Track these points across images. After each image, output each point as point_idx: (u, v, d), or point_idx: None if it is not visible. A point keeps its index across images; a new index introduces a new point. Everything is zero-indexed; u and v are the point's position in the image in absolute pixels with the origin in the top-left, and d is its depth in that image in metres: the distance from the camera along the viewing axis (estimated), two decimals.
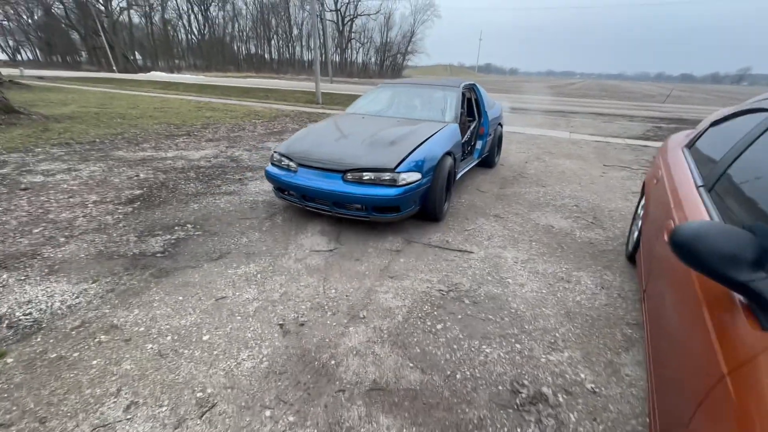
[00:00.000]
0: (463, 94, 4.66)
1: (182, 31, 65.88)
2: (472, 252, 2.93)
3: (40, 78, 24.90)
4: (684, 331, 1.28)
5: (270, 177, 3.39)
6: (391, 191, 2.91)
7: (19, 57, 63.99)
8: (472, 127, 4.83)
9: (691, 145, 2.31)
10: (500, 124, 5.77)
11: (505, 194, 4.40)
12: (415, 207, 3.21)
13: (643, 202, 2.78)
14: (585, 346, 1.94)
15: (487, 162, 5.51)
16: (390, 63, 75.30)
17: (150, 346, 1.85)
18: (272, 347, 1.87)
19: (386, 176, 2.95)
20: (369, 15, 68.69)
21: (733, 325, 0.95)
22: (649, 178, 2.69)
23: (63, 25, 54.15)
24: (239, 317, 2.09)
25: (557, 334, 2.02)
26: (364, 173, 2.98)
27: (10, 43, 63.65)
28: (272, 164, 3.49)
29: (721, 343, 0.96)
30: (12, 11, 51.97)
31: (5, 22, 57.15)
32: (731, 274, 0.92)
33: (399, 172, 2.95)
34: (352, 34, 71.18)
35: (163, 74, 38.91)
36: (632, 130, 9.95)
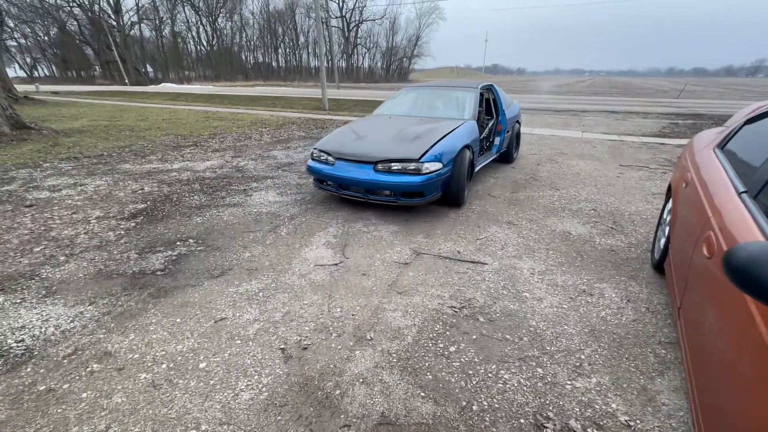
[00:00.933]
0: (481, 95, 5.11)
1: (191, 42, 67.11)
2: (485, 263, 2.77)
3: (55, 93, 25.52)
4: (734, 356, 1.11)
5: (311, 170, 3.94)
6: (416, 179, 3.40)
7: (36, 73, 66.00)
8: (490, 125, 5.27)
9: (723, 145, 2.12)
10: (518, 122, 6.11)
11: (518, 199, 4.22)
12: (437, 193, 3.67)
13: (669, 206, 2.59)
14: (614, 369, 1.77)
15: (506, 157, 5.84)
16: (396, 67, 75.46)
17: (143, 375, 1.74)
18: (273, 375, 1.74)
19: (411, 166, 3.42)
20: (374, 20, 69.02)
21: None
22: (675, 180, 2.50)
23: (77, 41, 55.61)
24: (239, 341, 1.97)
25: (582, 356, 1.85)
26: (393, 164, 3.47)
27: (28, 60, 65.76)
28: (312, 159, 4.02)
29: None
30: (29, 30, 53.75)
31: (23, 40, 59.12)
32: None
33: (423, 162, 3.42)
34: (358, 40, 71.59)
35: (174, 85, 39.59)
36: (647, 128, 9.64)
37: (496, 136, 5.33)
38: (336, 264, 2.77)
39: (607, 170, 5.47)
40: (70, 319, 2.14)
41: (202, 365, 1.80)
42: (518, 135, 6.19)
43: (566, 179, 5.01)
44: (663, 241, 2.55)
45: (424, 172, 3.43)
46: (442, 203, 3.95)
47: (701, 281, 1.48)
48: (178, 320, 2.13)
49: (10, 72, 65.12)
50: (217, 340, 1.97)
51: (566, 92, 26.79)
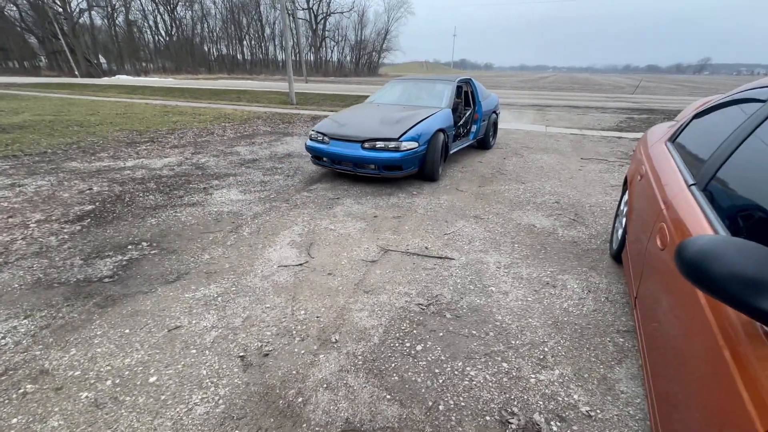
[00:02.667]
0: (459, 87, 5.92)
1: (148, 32, 63.48)
2: (452, 258, 2.76)
3: None
4: (685, 343, 1.14)
5: (309, 148, 4.69)
6: (396, 155, 4.16)
7: None
8: (467, 114, 6.00)
9: (674, 139, 2.21)
10: (496, 113, 6.82)
11: (485, 193, 4.26)
12: (414, 168, 4.44)
13: (626, 198, 2.68)
14: (576, 360, 1.80)
15: (483, 144, 6.57)
16: (366, 61, 74.89)
17: (85, 394, 1.59)
18: (231, 385, 1.65)
19: (392, 144, 4.17)
20: (342, 13, 68.14)
21: (753, 351, 0.81)
22: (631, 172, 2.58)
23: (18, 29, 51.18)
24: (194, 350, 1.85)
25: (546, 349, 1.87)
26: (377, 142, 4.21)
27: None
28: (311, 140, 4.73)
29: (738, 365, 0.83)
30: None
31: None
32: (755, 303, 0.76)
33: (401, 141, 4.17)
34: (326, 33, 70.35)
35: (129, 78, 37.38)
36: (606, 122, 10.06)
37: (472, 124, 6.01)
38: (300, 264, 2.67)
39: (569, 163, 5.65)
40: (1, 335, 1.94)
41: (152, 379, 1.67)
42: (495, 124, 6.82)
43: (531, 173, 5.12)
44: (620, 232, 2.63)
45: (402, 149, 4.15)
46: (419, 177, 4.71)
47: (655, 271, 1.52)
48: (127, 331, 1.98)
49: None
50: (170, 351, 1.84)
51: (531, 87, 27.59)
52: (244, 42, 69.89)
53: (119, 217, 3.43)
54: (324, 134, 4.58)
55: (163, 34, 63.81)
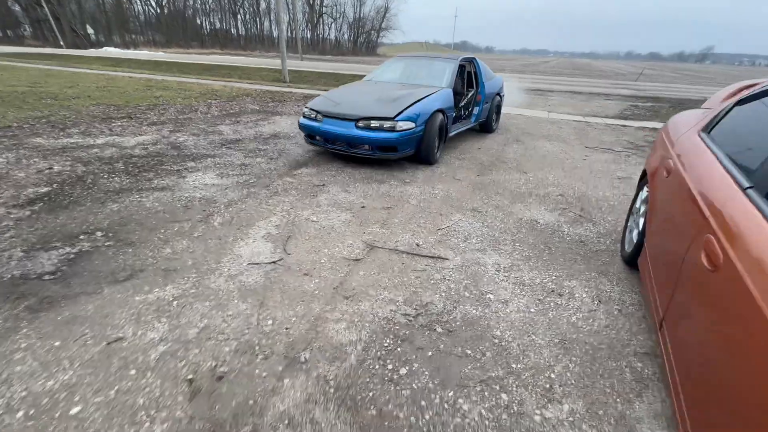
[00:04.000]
0: (462, 66, 5.50)
1: (139, 2, 60.92)
2: (446, 258, 2.46)
3: None
4: (749, 394, 0.86)
5: (302, 126, 4.42)
6: (391, 135, 3.90)
7: None
8: (469, 95, 5.66)
9: (709, 129, 1.88)
10: (500, 95, 6.46)
11: (483, 183, 3.94)
12: (410, 149, 4.15)
13: (643, 194, 2.37)
14: (588, 391, 1.52)
15: (486, 127, 6.20)
16: (364, 40, 72.92)
17: None
18: (170, 420, 1.35)
19: (387, 124, 3.89)
20: None
21: None
22: (652, 166, 2.26)
23: None
24: (134, 371, 1.54)
25: (553, 375, 1.59)
26: (371, 121, 3.94)
27: None
28: (304, 117, 4.44)
29: None
30: None
31: None
32: None
33: (397, 121, 3.90)
34: (324, 9, 68.11)
35: (117, 50, 35.94)
36: (610, 109, 9.69)
37: (475, 106, 5.70)
38: (274, 262, 2.35)
39: (573, 152, 5.32)
40: None
41: (74, 410, 1.37)
42: (499, 107, 6.51)
43: (533, 161, 4.79)
44: (635, 233, 2.34)
45: (398, 129, 3.89)
46: (415, 160, 4.39)
47: (698, 294, 1.22)
48: (58, 344, 1.66)
49: None
50: (104, 372, 1.53)
51: (533, 71, 26.93)
52: (239, 16, 67.51)
53: (76, 202, 3.07)
54: (317, 112, 4.30)
55: (154, 5, 61.36)
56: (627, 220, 2.62)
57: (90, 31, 55.76)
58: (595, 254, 2.59)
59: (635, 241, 2.28)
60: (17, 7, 51.81)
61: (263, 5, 67.27)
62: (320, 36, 71.35)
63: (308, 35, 68.04)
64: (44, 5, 38.18)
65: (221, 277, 2.18)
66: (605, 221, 3.11)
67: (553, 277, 2.29)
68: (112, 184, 3.47)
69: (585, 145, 5.79)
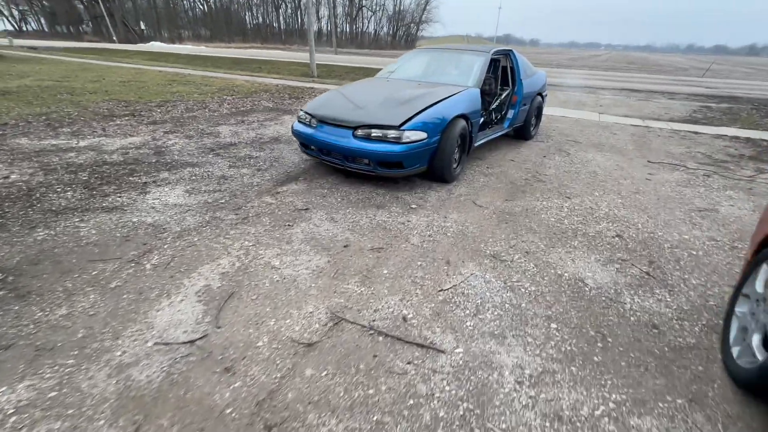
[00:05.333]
0: (495, 61, 4.72)
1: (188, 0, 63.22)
2: (442, 351, 1.65)
3: (33, 48, 23.72)
4: None
5: (296, 133, 3.66)
6: (396, 148, 3.08)
7: (25, 27, 62.60)
8: (503, 96, 4.78)
9: None
10: (542, 95, 5.49)
11: (512, 212, 3.05)
12: (421, 165, 3.34)
13: (765, 277, 1.44)
14: None
15: (522, 133, 5.29)
16: (403, 33, 71.67)
17: None
18: None
19: (392, 133, 3.10)
20: None
21: None
22: None
23: None
24: None
25: None
26: (373, 130, 3.16)
27: (15, 13, 62.32)
28: (298, 121, 3.72)
29: None
30: None
31: None
32: None
33: (403, 130, 3.09)
34: (363, 1, 67.53)
35: (163, 45, 37.25)
36: (675, 111, 8.26)
37: (509, 109, 4.82)
38: (193, 341, 1.65)
39: (632, 168, 4.25)
40: None
41: None
42: (540, 109, 5.55)
43: (580, 180, 3.81)
44: (756, 339, 1.42)
45: (404, 141, 3.09)
46: (428, 177, 3.61)
47: None
48: None
49: None
50: None
51: (581, 66, 24.85)
52: (281, 10, 68.43)
53: (2, 226, 2.54)
54: (312, 115, 3.56)
55: (202, 0, 63.44)
56: (732, 306, 1.67)
57: (143, 26, 58.69)
58: (679, 354, 1.67)
59: (759, 355, 1.36)
60: (80, 4, 55.41)
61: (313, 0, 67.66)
62: (359, 29, 71.00)
63: (347, 29, 67.87)
64: (100, 2, 40.26)
65: (106, 368, 1.51)
66: (688, 287, 2.15)
67: (611, 406, 1.42)
68: (59, 201, 2.94)
69: (647, 158, 4.68)
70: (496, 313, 1.88)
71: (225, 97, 8.17)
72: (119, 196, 3.05)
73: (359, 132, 3.20)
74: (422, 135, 3.14)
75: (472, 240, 2.58)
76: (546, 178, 3.88)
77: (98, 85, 8.93)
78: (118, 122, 5.53)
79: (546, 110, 7.48)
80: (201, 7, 64.63)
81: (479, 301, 1.96)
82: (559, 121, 6.85)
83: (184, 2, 63.71)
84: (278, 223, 2.72)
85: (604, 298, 2.02)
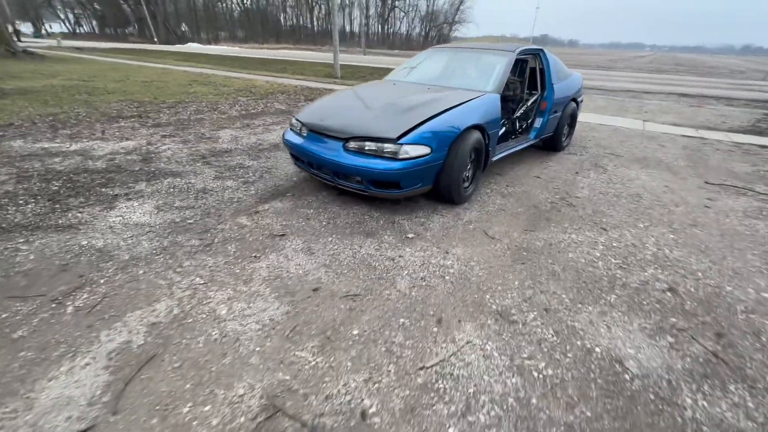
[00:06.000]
0: (522, 62, 4.20)
1: (226, 2, 65.25)
2: None
3: (79, 49, 24.97)
4: None
5: (285, 142, 3.24)
6: (392, 165, 2.57)
7: (79, 30, 66.80)
8: (530, 101, 4.20)
9: None
10: (576, 101, 4.84)
11: (532, 246, 2.47)
12: (423, 185, 2.81)
13: None
14: None
15: (551, 144, 4.64)
16: (436, 34, 70.82)
17: None
18: None
19: (388, 147, 2.60)
20: None
21: None
22: None
23: None
24: None
25: None
26: (367, 142, 2.66)
27: (70, 17, 66.68)
28: (290, 129, 3.29)
29: None
30: None
31: None
32: None
33: (402, 144, 2.58)
34: (396, 2, 67.25)
35: (199, 45, 38.43)
36: (735, 119, 7.25)
37: (537, 117, 4.21)
38: None
39: (685, 191, 3.53)
40: None
41: None
42: (574, 117, 4.90)
43: (619, 206, 3.15)
44: None
45: (401, 157, 2.57)
46: (434, 197, 3.09)
47: None
48: None
49: (56, 27, 66.70)
50: None
51: (623, 68, 23.27)
52: (314, 12, 69.32)
53: None
54: (302, 123, 3.10)
55: (240, 3, 65.30)
56: None
57: (184, 28, 61.16)
58: None
59: None
60: (127, 7, 58.46)
61: (338, 0, 68.17)
62: (392, 30, 70.79)
63: (378, 30, 67.83)
64: (144, 6, 42.16)
65: None
66: None
67: None
68: (15, 215, 2.64)
69: (704, 178, 3.92)
70: (493, 413, 1.35)
71: (239, 98, 7.94)
72: (81, 212, 2.73)
73: (351, 144, 2.71)
74: (425, 150, 2.62)
75: (476, 287, 2.04)
76: (577, 201, 3.25)
77: (120, 85, 8.96)
78: (122, 124, 5.34)
79: (581, 116, 6.73)
80: (239, 9, 66.54)
81: (472, 391, 1.43)
82: (596, 129, 6.10)
83: (223, 5, 65.82)
84: (244, 254, 2.29)
85: (652, 396, 1.43)
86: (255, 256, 2.27)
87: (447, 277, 2.13)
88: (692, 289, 2.08)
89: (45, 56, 15.59)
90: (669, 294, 2.04)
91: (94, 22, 66.31)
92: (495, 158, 3.49)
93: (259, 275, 2.09)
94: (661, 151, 4.92)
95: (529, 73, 4.22)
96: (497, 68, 3.52)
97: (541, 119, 4.13)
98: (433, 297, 1.96)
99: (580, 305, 1.93)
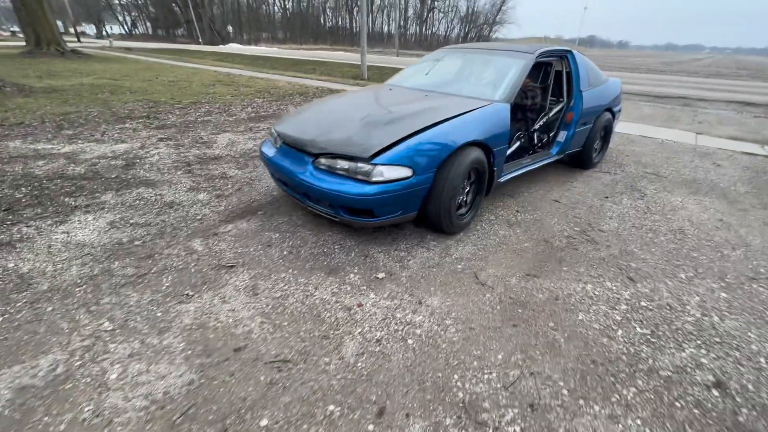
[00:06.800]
0: (544, 65, 3.65)
1: (271, 3, 67.26)
2: None
3: (128, 49, 26.39)
4: None
5: (261, 154, 2.79)
6: (364, 189, 2.10)
7: (135, 31, 71.34)
8: (554, 112, 3.60)
9: None
10: (612, 111, 4.11)
11: (531, 300, 1.95)
12: (405, 213, 2.33)
13: None
14: None
15: (580, 160, 3.98)
16: (475, 35, 69.32)
17: None
18: None
19: (360, 167, 2.15)
20: None
21: None
22: None
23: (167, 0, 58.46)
24: None
25: None
26: (339, 161, 2.23)
27: (127, 19, 71.39)
28: (268, 140, 2.90)
29: None
30: None
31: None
32: None
33: (375, 164, 2.12)
34: (435, 3, 66.40)
35: (239, 46, 39.65)
36: None
37: (561, 129, 3.58)
38: None
39: (746, 228, 2.83)
40: None
41: None
42: (608, 130, 4.17)
43: (655, 246, 2.53)
44: None
45: (375, 179, 2.11)
46: (423, 225, 2.62)
47: None
48: None
49: (115, 29, 71.62)
50: None
51: (677, 71, 21.38)
52: (354, 13, 69.84)
53: None
54: (278, 133, 2.71)
55: (281, 5, 67.04)
56: None
57: (229, 29, 63.59)
58: None
59: None
60: (178, 10, 61.63)
61: (378, 2, 68.40)
62: (429, 32, 70.06)
63: (416, 31, 67.29)
64: (191, 8, 44.11)
65: None
66: None
67: None
68: None
69: None
70: None
71: (255, 100, 7.78)
72: (29, 226, 2.50)
73: (321, 161, 2.30)
74: (405, 172, 2.15)
75: (444, 361, 1.56)
76: (601, 236, 2.65)
77: (145, 85, 9.09)
78: (127, 125, 5.25)
79: (621, 127, 5.95)
80: (280, 10, 68.33)
81: None
82: (637, 142, 5.33)
83: (266, 7, 67.84)
84: (177, 290, 1.93)
85: None
86: (187, 295, 1.91)
87: (410, 341, 1.66)
88: (750, 387, 1.49)
89: (92, 56, 16.44)
90: (716, 392, 1.46)
91: (148, 24, 70.55)
92: (504, 179, 2.95)
93: (180, 323, 1.72)
94: (715, 172, 4.14)
95: (554, 78, 3.63)
96: (510, 73, 2.98)
97: (566, 132, 3.53)
98: (384, 372, 1.50)
99: (582, 402, 1.40)
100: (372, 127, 2.37)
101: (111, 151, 4.11)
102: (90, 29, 66.59)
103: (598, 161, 4.20)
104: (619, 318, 1.84)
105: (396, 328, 1.74)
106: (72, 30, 33.47)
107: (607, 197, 3.37)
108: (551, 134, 3.63)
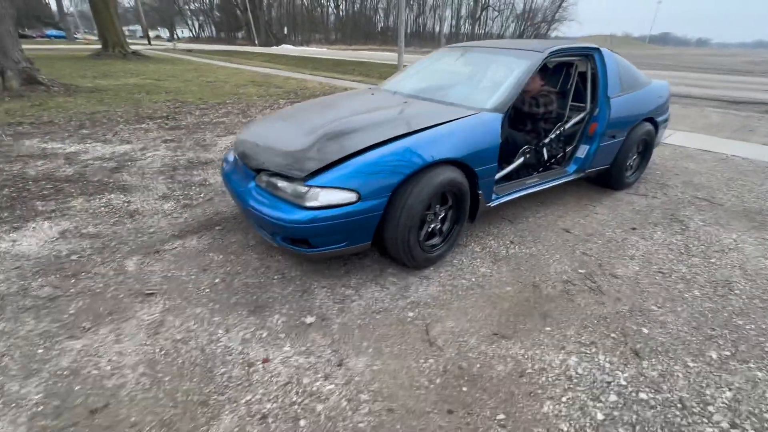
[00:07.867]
0: (564, 66, 3.18)
1: (331, 5, 69.12)
2: None
3: (189, 51, 28.23)
4: None
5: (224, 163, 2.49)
6: (296, 214, 1.78)
7: (202, 34, 76.81)
8: (572, 122, 2.97)
9: None
10: (655, 121, 3.39)
11: (486, 374, 1.49)
12: (353, 244, 1.92)
13: None
14: None
15: (608, 180, 3.32)
16: (531, 33, 66.24)
17: None
18: None
19: (297, 189, 1.82)
20: None
21: None
22: None
23: (231, 3, 62.12)
24: None
25: None
26: (278, 180, 1.91)
27: (195, 23, 77.00)
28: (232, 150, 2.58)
29: None
30: None
31: (193, 5, 69.26)
32: None
33: (311, 186, 1.79)
34: (490, 1, 64.28)
35: (291, 47, 40.99)
36: None
37: (581, 143, 2.99)
38: None
39: None
40: None
41: None
42: (648, 144, 3.46)
43: (685, 302, 1.93)
44: None
45: (309, 204, 1.77)
46: (387, 255, 2.14)
47: None
48: None
49: (186, 33, 77.44)
50: None
51: (763, 72, 18.64)
52: (405, 13, 69.83)
53: None
54: (235, 143, 2.49)
55: (336, 6, 68.56)
56: None
57: (285, 31, 66.20)
58: None
59: None
60: (239, 13, 65.27)
61: (430, 2, 67.65)
62: (482, 31, 68.03)
63: (468, 30, 65.60)
64: (249, 11, 46.41)
65: None
66: None
67: None
68: None
69: None
70: None
71: (280, 101, 7.74)
72: None
73: (263, 179, 2.00)
74: (347, 196, 1.78)
75: None
76: (611, 284, 2.09)
77: (182, 85, 9.43)
78: (143, 125, 5.35)
79: (676, 138, 5.08)
80: (334, 11, 69.90)
81: None
82: (693, 158, 4.46)
83: (321, 9, 69.72)
84: (75, 322, 1.72)
85: None
86: (83, 328, 1.68)
87: (302, 423, 1.29)
88: None
89: (150, 58, 17.63)
90: None
91: (213, 28, 75.55)
92: (496, 203, 2.46)
93: (55, 366, 1.49)
94: None
95: (575, 81, 3.05)
96: (510, 76, 2.46)
97: (588, 147, 2.93)
98: None
99: None
100: (323, 141, 2.01)
101: (111, 152, 4.13)
102: (164, 33, 72.54)
103: (633, 181, 3.51)
104: (602, 418, 1.34)
105: (294, 399, 1.38)
106: (142, 34, 36.57)
107: (634, 228, 2.73)
108: (571, 147, 3.04)
